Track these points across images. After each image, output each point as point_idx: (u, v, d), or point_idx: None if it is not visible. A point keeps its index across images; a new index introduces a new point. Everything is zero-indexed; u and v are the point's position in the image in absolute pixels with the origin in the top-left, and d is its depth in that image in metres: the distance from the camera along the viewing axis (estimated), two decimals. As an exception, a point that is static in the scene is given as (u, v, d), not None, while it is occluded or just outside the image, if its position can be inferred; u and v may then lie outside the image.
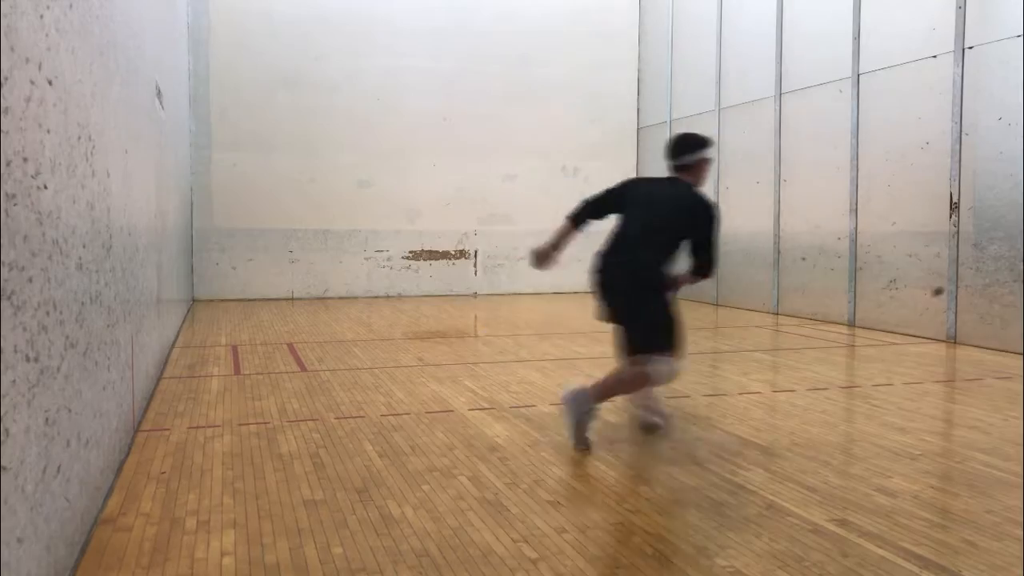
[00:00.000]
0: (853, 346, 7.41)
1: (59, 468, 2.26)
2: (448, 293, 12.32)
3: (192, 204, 11.01)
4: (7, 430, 1.78)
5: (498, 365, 6.21)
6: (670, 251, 3.90)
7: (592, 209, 4.13)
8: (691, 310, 10.35)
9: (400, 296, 12.06)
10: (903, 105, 8.07)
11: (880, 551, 2.62)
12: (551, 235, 4.16)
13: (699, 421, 4.42)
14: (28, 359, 1.95)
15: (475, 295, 12.35)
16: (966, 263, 7.32)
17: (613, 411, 4.63)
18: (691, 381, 5.53)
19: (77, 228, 2.56)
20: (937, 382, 5.66)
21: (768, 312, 9.88)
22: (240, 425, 4.30)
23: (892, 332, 8.02)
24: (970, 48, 7.28)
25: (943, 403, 5.08)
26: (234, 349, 7.01)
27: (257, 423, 4.35)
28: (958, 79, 7.35)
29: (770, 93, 9.91)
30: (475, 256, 12.47)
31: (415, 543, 2.68)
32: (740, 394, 5.15)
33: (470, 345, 7.49)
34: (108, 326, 3.19)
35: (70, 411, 2.42)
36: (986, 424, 4.37)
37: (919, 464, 3.62)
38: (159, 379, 5.55)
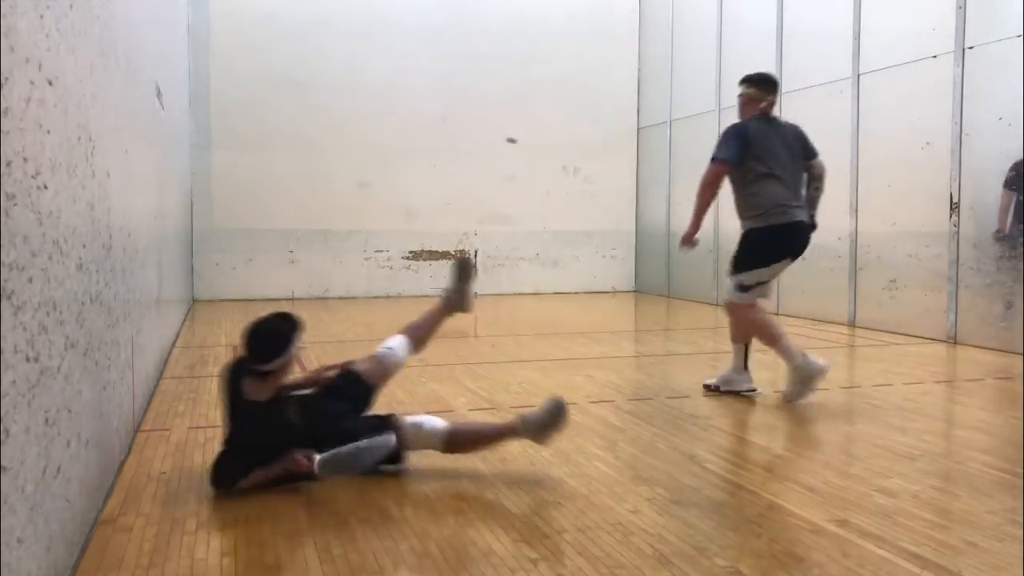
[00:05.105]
0: (853, 346, 7.41)
1: (59, 468, 2.26)
2: (448, 293, 12.30)
3: (192, 204, 11.00)
4: (7, 430, 1.78)
5: (498, 365, 6.20)
6: None
7: None
8: (691, 309, 10.35)
9: (400, 296, 12.07)
10: (903, 105, 8.07)
11: (880, 551, 2.62)
12: None
13: (699, 421, 4.42)
14: (28, 359, 1.95)
15: (475, 295, 12.33)
16: (966, 263, 7.32)
17: (612, 411, 4.63)
18: (691, 381, 5.52)
19: (77, 228, 2.56)
20: (937, 382, 5.66)
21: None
22: (240, 425, 4.29)
23: (892, 332, 8.01)
24: (970, 48, 7.28)
25: (943, 403, 5.08)
26: (234, 349, 6.99)
27: (257, 423, 4.34)
28: (958, 79, 7.35)
29: (770, 93, 9.89)
30: (475, 256, 12.47)
31: (415, 543, 2.68)
32: (740, 394, 5.15)
33: (470, 345, 7.48)
34: (108, 326, 3.19)
35: (70, 411, 2.42)
36: (987, 425, 4.37)
37: (919, 464, 3.62)
38: (159, 379, 5.55)
